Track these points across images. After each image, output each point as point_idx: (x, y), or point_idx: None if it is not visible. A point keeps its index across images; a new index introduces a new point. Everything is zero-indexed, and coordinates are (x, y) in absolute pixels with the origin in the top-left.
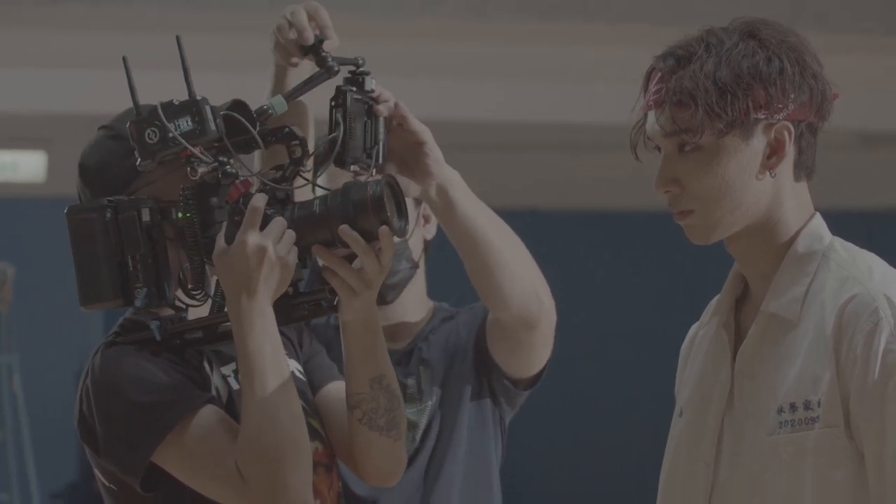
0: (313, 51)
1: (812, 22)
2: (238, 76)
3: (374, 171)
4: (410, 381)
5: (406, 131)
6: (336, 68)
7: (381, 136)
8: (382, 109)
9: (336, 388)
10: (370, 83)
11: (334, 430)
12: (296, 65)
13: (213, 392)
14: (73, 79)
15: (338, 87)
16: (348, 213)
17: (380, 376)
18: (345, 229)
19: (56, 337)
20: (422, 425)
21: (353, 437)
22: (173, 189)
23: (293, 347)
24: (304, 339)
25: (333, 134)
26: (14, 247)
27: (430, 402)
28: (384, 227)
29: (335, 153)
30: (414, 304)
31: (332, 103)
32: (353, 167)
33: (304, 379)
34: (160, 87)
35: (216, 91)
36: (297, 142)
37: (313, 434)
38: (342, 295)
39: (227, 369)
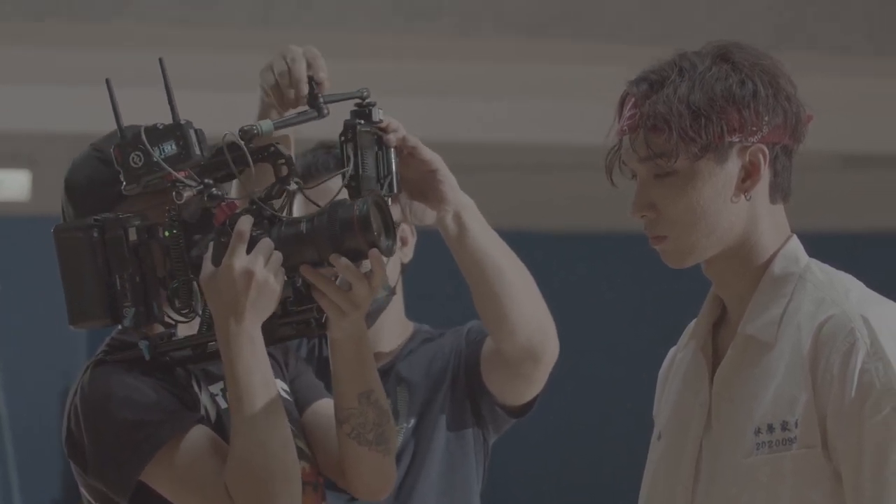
0: (307, 89)
1: (796, 43)
2: (230, 95)
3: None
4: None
5: (418, 160)
6: (326, 111)
7: (394, 166)
8: (391, 139)
9: (324, 406)
10: (377, 114)
11: (322, 447)
12: (287, 110)
13: (203, 412)
14: (57, 96)
15: (346, 122)
16: (335, 233)
17: (368, 391)
18: (336, 258)
19: (39, 354)
20: (397, 447)
21: (342, 452)
22: (159, 213)
23: (279, 367)
24: (290, 358)
25: (345, 168)
26: None
27: (405, 425)
28: (374, 251)
29: (348, 187)
30: (391, 326)
31: (342, 138)
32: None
33: (290, 399)
34: (148, 105)
35: (207, 110)
36: (283, 160)
37: (300, 454)
38: (331, 315)
39: (215, 388)
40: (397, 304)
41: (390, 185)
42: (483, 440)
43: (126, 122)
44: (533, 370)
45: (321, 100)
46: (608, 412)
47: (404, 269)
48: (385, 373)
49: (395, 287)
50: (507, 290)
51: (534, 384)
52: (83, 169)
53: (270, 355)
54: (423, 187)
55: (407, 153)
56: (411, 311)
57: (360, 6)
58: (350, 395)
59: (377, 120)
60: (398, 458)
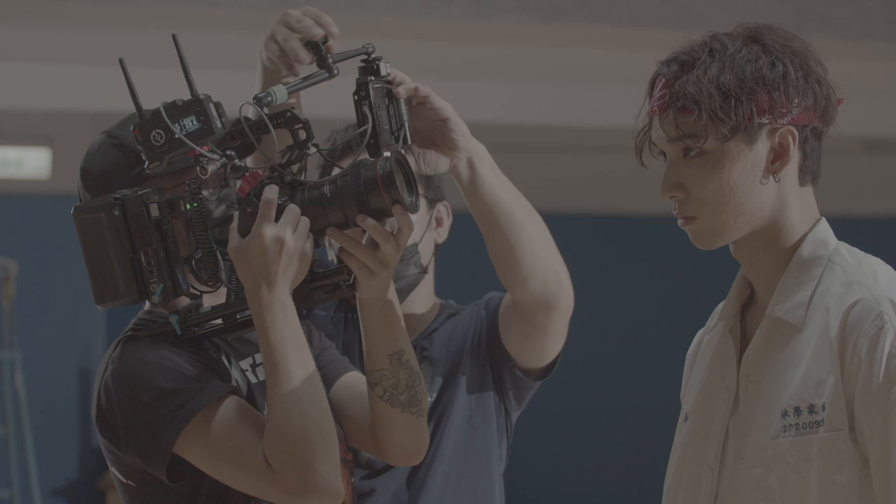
0: (316, 50)
1: (816, 27)
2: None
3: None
4: None
5: (428, 109)
6: (336, 70)
7: (406, 118)
8: (402, 92)
9: (352, 379)
10: (385, 68)
11: (353, 419)
12: (296, 73)
13: (234, 382)
14: (77, 75)
15: (358, 81)
16: (360, 193)
17: (399, 352)
18: (363, 219)
19: (58, 333)
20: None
21: (375, 415)
22: (180, 191)
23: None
24: (314, 335)
25: (364, 126)
26: (17, 243)
27: (428, 399)
28: (398, 206)
29: (367, 144)
30: (420, 304)
31: (356, 97)
32: (385, 154)
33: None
34: (167, 84)
35: (225, 90)
36: (300, 125)
37: None
38: (360, 276)
39: (245, 363)
40: (428, 282)
41: (404, 137)
42: (505, 412)
43: (144, 101)
44: (547, 320)
45: (330, 59)
46: (628, 396)
47: (437, 249)
48: None
49: (427, 266)
50: (520, 236)
51: (550, 337)
52: (98, 156)
53: None
54: (435, 136)
55: (417, 103)
56: (441, 289)
57: None
58: (380, 355)
59: (385, 74)
60: None
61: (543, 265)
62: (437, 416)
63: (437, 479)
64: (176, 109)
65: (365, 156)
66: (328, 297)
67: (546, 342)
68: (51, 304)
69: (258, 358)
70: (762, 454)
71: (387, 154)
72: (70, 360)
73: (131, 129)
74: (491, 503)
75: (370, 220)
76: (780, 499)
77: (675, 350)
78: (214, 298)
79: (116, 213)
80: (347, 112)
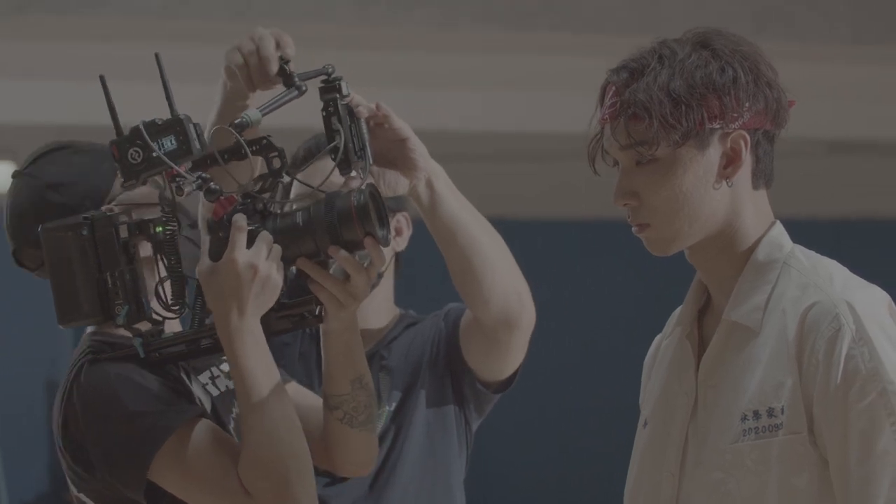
0: (281, 70)
1: (780, 29)
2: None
3: (367, 171)
4: None
5: (387, 130)
6: (304, 87)
7: (366, 137)
8: (363, 111)
9: (292, 391)
10: (345, 87)
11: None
12: (254, 91)
13: (198, 404)
14: (40, 89)
15: (325, 98)
16: (333, 224)
17: (359, 377)
18: (335, 250)
19: (25, 346)
20: (377, 431)
21: (331, 436)
22: (147, 195)
23: None
24: None
25: (335, 142)
26: None
27: (387, 408)
28: (370, 238)
29: (339, 160)
30: (377, 312)
31: (324, 112)
32: (353, 174)
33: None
34: (128, 99)
35: (187, 103)
36: (275, 153)
37: None
38: (330, 308)
39: (204, 377)
40: (386, 290)
41: (367, 157)
42: (465, 422)
43: (102, 116)
44: (509, 337)
45: (296, 78)
46: (591, 401)
47: (398, 258)
48: (368, 358)
49: (383, 272)
50: (480, 256)
51: (511, 354)
52: (58, 167)
53: None
54: (394, 156)
55: (376, 124)
56: (403, 299)
57: None
58: (343, 382)
59: (346, 93)
60: (380, 441)
61: (504, 284)
62: (397, 427)
63: (396, 489)
64: (155, 128)
65: (336, 175)
66: (293, 328)
67: (507, 358)
68: (17, 316)
69: (215, 371)
70: (721, 459)
71: (362, 186)
72: (37, 371)
73: (109, 145)
74: None
75: (343, 252)
76: (740, 503)
77: (637, 355)
78: (174, 326)
79: (85, 232)
80: (302, 122)
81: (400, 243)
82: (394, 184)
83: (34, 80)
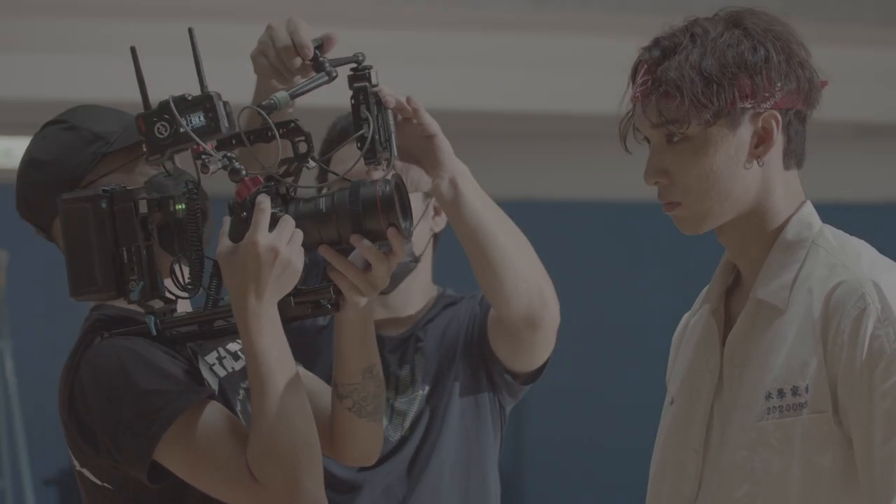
0: (311, 57)
1: (807, 12)
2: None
3: (392, 162)
4: (405, 371)
5: (415, 125)
6: (335, 73)
7: (392, 129)
8: (391, 101)
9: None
10: (375, 77)
11: None
12: (288, 82)
13: (206, 385)
14: (67, 64)
15: (356, 86)
16: (357, 212)
17: (371, 366)
18: (357, 239)
19: (49, 323)
20: (411, 414)
21: (338, 424)
22: (133, 178)
23: None
24: None
25: (362, 131)
26: (8, 232)
27: (421, 392)
28: (393, 229)
29: (366, 149)
30: (415, 294)
31: (353, 101)
32: (378, 164)
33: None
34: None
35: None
36: (302, 137)
37: None
38: (349, 297)
39: (211, 358)
40: (424, 271)
41: (392, 148)
42: (499, 406)
43: (127, 92)
44: (532, 337)
45: (327, 64)
46: (626, 385)
47: (436, 237)
48: (405, 340)
49: (421, 255)
50: (503, 256)
51: (536, 351)
52: (47, 143)
53: None
54: (420, 153)
55: (403, 119)
56: (441, 277)
57: None
58: (354, 371)
59: (375, 83)
60: (413, 426)
61: (526, 284)
62: (432, 410)
63: (432, 473)
64: (185, 104)
65: (361, 162)
66: (310, 314)
67: (532, 354)
68: (41, 294)
69: (222, 351)
70: (746, 437)
71: (386, 176)
72: (60, 349)
73: (135, 118)
74: (485, 497)
75: (365, 241)
76: (764, 481)
77: (664, 335)
78: (186, 306)
79: (103, 205)
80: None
81: (438, 223)
82: (417, 180)
83: (60, 55)
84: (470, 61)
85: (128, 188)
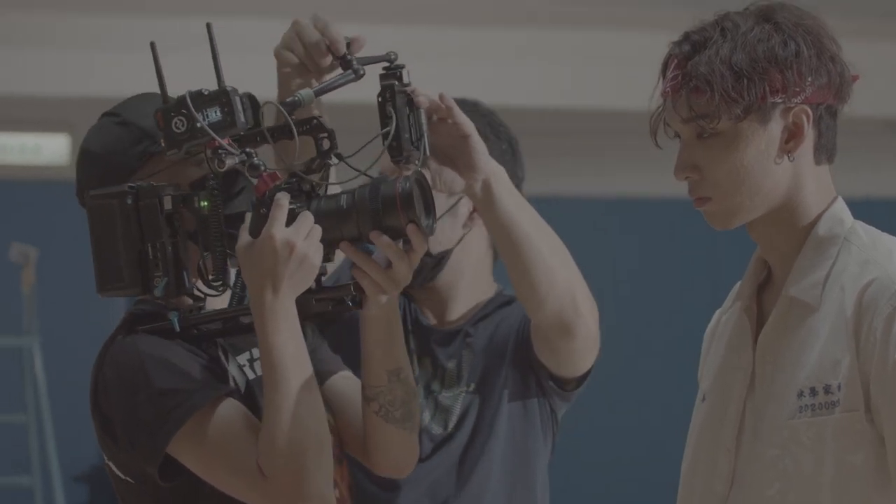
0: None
1: (836, 8)
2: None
3: (423, 162)
4: (451, 364)
5: (450, 125)
6: (362, 72)
7: (424, 128)
8: (423, 101)
9: (341, 380)
10: (407, 76)
11: (344, 421)
12: (319, 78)
13: (231, 383)
14: (96, 61)
15: (383, 83)
16: (377, 209)
17: (397, 369)
18: (377, 235)
19: (78, 320)
20: (456, 411)
21: (368, 429)
22: (182, 178)
23: None
24: (307, 330)
25: (387, 128)
26: (37, 229)
27: (466, 389)
28: (413, 226)
29: (389, 146)
30: (469, 287)
31: (380, 98)
32: (406, 162)
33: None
34: (181, 71)
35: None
36: (325, 134)
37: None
38: (371, 294)
39: (242, 359)
40: (481, 266)
41: (423, 148)
42: (550, 411)
43: (154, 87)
44: (568, 344)
45: (355, 61)
46: (657, 383)
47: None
48: (452, 335)
49: (446, 252)
50: (536, 260)
51: (576, 359)
52: (101, 135)
53: None
54: (454, 154)
55: (438, 119)
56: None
57: None
58: (380, 372)
59: (407, 82)
60: (460, 423)
61: (560, 291)
62: (480, 410)
63: (479, 473)
64: (201, 98)
65: (386, 158)
66: (332, 312)
67: (572, 362)
68: (70, 290)
69: (255, 353)
70: (778, 435)
71: (407, 173)
72: (89, 345)
73: (154, 113)
74: (531, 499)
75: (385, 238)
76: (796, 480)
77: (696, 332)
78: (218, 304)
79: (129, 201)
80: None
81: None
82: (450, 182)
83: (90, 52)
84: (498, 56)
85: (154, 184)
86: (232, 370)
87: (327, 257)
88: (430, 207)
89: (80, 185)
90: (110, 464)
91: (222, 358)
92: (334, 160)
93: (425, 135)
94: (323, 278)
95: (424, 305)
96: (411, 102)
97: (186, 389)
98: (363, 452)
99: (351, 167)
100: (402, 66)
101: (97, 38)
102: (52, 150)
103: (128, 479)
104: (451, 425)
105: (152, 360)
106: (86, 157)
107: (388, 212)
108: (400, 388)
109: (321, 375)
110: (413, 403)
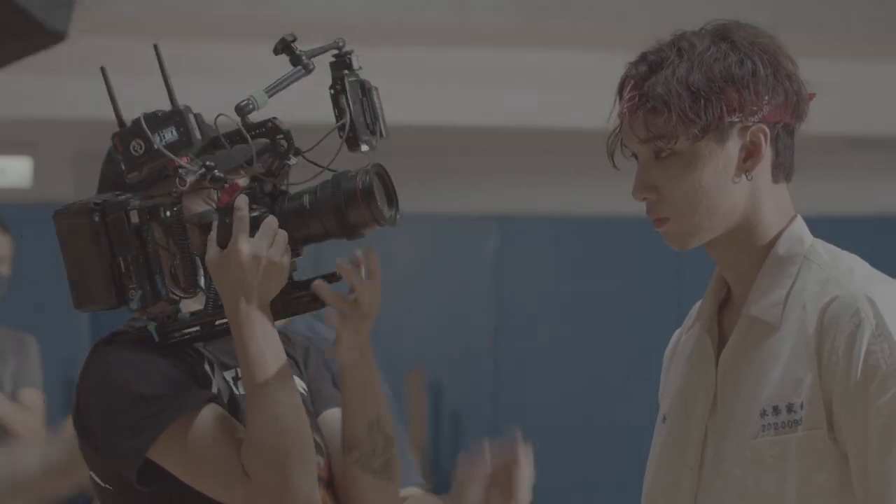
0: (287, 50)
1: (797, 24)
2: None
3: (377, 144)
4: None
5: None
6: (312, 66)
7: (379, 110)
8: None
9: (331, 418)
10: (357, 61)
11: (332, 460)
12: None
13: (215, 390)
14: (57, 84)
15: (333, 75)
16: (339, 204)
17: (377, 418)
18: (338, 265)
19: (42, 341)
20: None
21: (347, 477)
22: (200, 198)
23: (297, 366)
24: (311, 358)
25: (342, 121)
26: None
27: None
28: (353, 259)
29: (346, 138)
30: None
31: (332, 90)
32: (363, 147)
33: (306, 395)
34: (147, 93)
35: (202, 98)
36: (281, 135)
37: (316, 449)
38: (341, 329)
39: (228, 375)
40: None
41: (379, 131)
42: None
43: (126, 110)
44: None
45: (304, 56)
46: (616, 400)
47: None
48: None
49: None
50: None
51: None
52: (106, 162)
53: (289, 354)
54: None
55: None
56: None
57: None
58: (360, 423)
59: (357, 67)
60: None
61: None
62: None
63: None
64: (156, 120)
65: (344, 150)
66: (306, 308)
67: None
68: (34, 312)
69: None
70: (741, 454)
71: (368, 167)
72: (53, 367)
73: (111, 137)
74: None
75: (344, 265)
76: (759, 499)
77: (659, 350)
78: (194, 304)
79: (96, 218)
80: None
81: None
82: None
83: (52, 75)
84: (458, 76)
85: (120, 198)
86: (217, 381)
87: (296, 254)
88: (392, 199)
89: (99, 188)
90: (91, 473)
91: (208, 369)
92: (293, 160)
93: (381, 117)
94: (294, 273)
95: None
96: (363, 87)
97: (168, 395)
98: (344, 496)
99: (311, 162)
100: (351, 52)
101: (59, 60)
102: (14, 172)
103: (107, 486)
104: None
105: (133, 367)
106: (108, 163)
107: (351, 206)
108: (380, 437)
109: (315, 410)
110: (392, 452)
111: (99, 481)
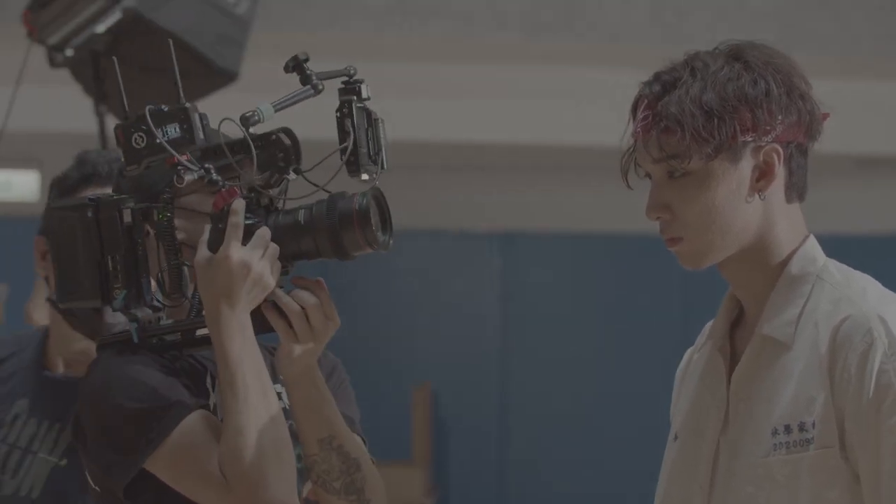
0: (298, 69)
1: (805, 45)
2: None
3: (378, 175)
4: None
5: None
6: (321, 87)
7: (383, 142)
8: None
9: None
10: (366, 91)
11: None
12: None
13: (211, 407)
14: (65, 97)
15: (342, 98)
16: (334, 225)
17: (329, 437)
18: (267, 306)
19: None
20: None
21: (316, 496)
22: (199, 203)
23: (274, 374)
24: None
25: (345, 144)
26: (7, 265)
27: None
28: (318, 282)
29: (346, 161)
30: None
31: (338, 113)
32: (363, 176)
33: (286, 405)
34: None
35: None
36: (282, 150)
37: (297, 458)
38: (284, 343)
39: None
40: None
41: (381, 162)
42: None
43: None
44: None
45: (314, 76)
46: (615, 413)
47: None
48: None
49: None
50: None
51: None
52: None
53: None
54: None
55: None
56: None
57: (357, 7)
58: (310, 440)
59: (366, 97)
60: None
61: None
62: None
63: None
64: (161, 115)
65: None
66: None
67: None
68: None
69: None
70: (753, 473)
71: (364, 190)
72: None
73: (114, 129)
74: None
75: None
76: None
77: (667, 369)
78: (177, 315)
79: (89, 214)
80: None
81: None
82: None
83: (59, 88)
84: (462, 93)
85: (114, 197)
86: (214, 398)
87: (285, 270)
88: (386, 223)
89: (114, 190)
90: (86, 473)
91: (207, 382)
92: (293, 175)
93: (384, 148)
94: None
95: None
96: (370, 117)
97: (155, 412)
98: None
99: (309, 182)
100: (362, 81)
101: (66, 74)
102: (21, 186)
103: (96, 488)
104: None
105: (119, 382)
106: (120, 182)
107: (345, 228)
108: (335, 456)
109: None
110: (356, 475)
111: (91, 483)
